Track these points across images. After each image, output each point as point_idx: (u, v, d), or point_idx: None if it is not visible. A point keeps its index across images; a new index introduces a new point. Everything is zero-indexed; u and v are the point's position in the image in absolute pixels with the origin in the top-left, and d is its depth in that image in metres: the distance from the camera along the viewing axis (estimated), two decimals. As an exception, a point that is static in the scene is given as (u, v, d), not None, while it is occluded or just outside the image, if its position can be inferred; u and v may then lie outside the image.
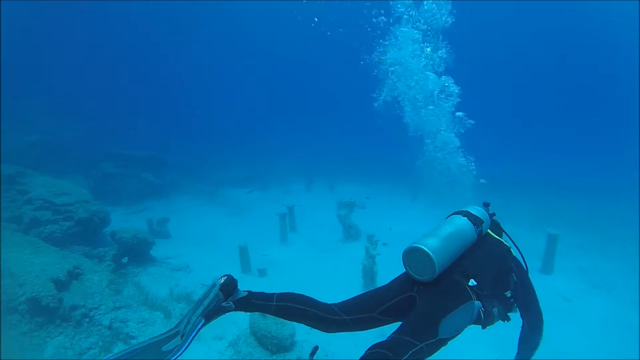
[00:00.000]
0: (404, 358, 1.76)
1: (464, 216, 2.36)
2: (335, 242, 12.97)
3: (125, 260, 10.01)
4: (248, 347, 6.55)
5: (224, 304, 1.98)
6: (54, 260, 7.11)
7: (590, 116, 36.73)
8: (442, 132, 9.22)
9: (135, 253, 10.07)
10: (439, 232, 2.18)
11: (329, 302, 2.21)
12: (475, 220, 2.34)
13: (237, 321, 7.58)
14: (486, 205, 2.66)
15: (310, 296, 2.23)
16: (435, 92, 8.81)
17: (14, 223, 9.12)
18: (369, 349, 1.81)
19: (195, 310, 1.88)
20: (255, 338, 6.56)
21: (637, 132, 28.98)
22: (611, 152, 28.04)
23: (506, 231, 2.67)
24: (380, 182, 20.70)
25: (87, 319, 6.67)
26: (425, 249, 2.02)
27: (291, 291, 2.25)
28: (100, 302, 7.03)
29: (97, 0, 27.93)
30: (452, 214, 2.44)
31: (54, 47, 30.09)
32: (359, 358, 1.76)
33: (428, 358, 1.92)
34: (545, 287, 9.56)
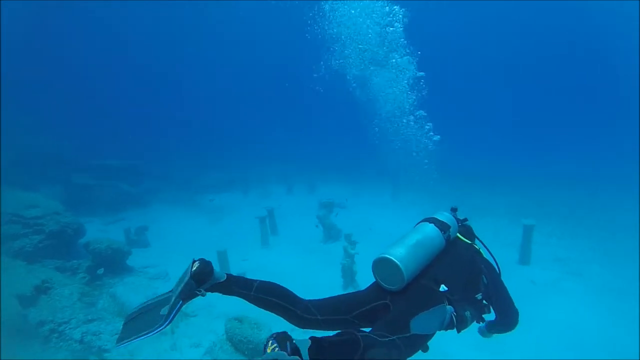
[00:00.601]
0: (376, 347, 1.79)
1: (431, 223, 2.38)
2: (316, 243, 12.93)
3: (101, 271, 9.77)
4: (224, 353, 6.45)
5: (196, 290, 2.01)
6: (20, 276, 6.88)
7: (572, 108, 37.46)
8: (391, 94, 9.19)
9: (111, 264, 9.86)
10: (406, 241, 2.19)
11: (306, 299, 2.23)
12: (442, 226, 2.37)
13: (214, 328, 7.50)
14: (454, 210, 2.69)
15: (290, 290, 2.25)
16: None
17: (-20, 239, 8.82)
18: (342, 332, 1.84)
19: (177, 289, 1.99)
20: (231, 344, 6.46)
21: (619, 122, 29.71)
22: (594, 144, 28.62)
23: (477, 234, 2.70)
24: (361, 182, 20.76)
25: (55, 334, 6.49)
26: (393, 259, 2.04)
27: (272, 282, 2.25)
28: (70, 316, 6.84)
29: (65, 1, 27.24)
30: (419, 222, 2.46)
31: (21, 55, 29.34)
32: (332, 335, 1.79)
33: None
34: (521, 277, 9.71)
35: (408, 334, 1.90)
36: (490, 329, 2.57)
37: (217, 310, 8.44)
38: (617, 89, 34.21)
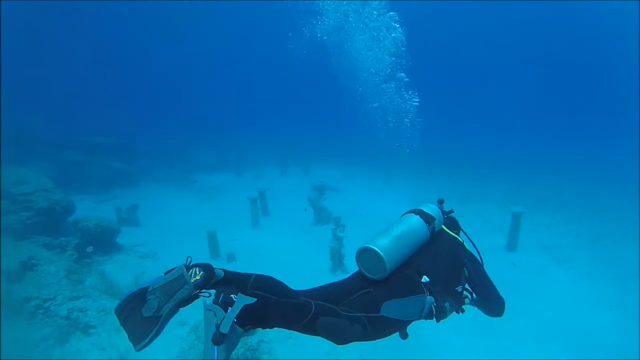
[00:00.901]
0: (331, 316, 1.82)
1: (416, 214, 2.40)
2: (306, 225, 12.97)
3: (90, 249, 9.79)
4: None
5: (200, 293, 1.83)
6: (4, 252, 6.88)
7: (566, 99, 37.42)
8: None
9: (100, 242, 9.86)
10: (391, 232, 2.22)
11: (296, 289, 2.16)
12: (427, 218, 2.39)
13: (200, 306, 7.55)
14: (440, 202, 2.70)
15: (282, 282, 2.14)
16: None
17: (-33, 215, 8.79)
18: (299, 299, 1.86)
19: (168, 299, 1.75)
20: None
21: (611, 113, 29.70)
22: (586, 133, 28.65)
23: (466, 221, 2.76)
24: (354, 164, 20.76)
25: (41, 310, 6.53)
26: (376, 249, 2.07)
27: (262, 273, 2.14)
28: (56, 293, 6.87)
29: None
30: (405, 213, 2.49)
31: (17, 35, 28.80)
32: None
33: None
34: (507, 263, 9.81)
35: (376, 314, 1.94)
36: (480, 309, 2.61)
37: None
38: (611, 79, 34.09)
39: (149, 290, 1.77)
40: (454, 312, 2.31)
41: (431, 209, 2.49)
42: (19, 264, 6.85)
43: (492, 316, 2.52)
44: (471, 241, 2.63)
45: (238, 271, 2.07)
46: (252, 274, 2.05)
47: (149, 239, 11.38)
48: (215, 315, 1.71)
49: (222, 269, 2.01)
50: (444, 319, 2.21)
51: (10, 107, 16.21)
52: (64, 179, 14.02)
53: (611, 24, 31.65)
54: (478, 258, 2.52)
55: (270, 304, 1.77)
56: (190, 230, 12.16)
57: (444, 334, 6.78)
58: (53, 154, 15.87)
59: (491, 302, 2.43)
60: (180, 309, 1.81)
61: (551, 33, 34.99)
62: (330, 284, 2.27)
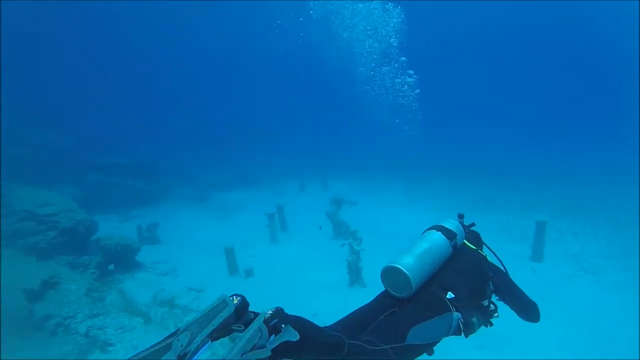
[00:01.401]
0: (362, 354, 1.82)
1: (438, 231, 2.43)
2: (325, 239, 12.87)
3: (111, 267, 9.98)
4: (224, 348, 6.46)
5: (234, 326, 1.71)
6: (27, 271, 7.06)
7: (580, 102, 36.53)
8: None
9: (121, 260, 10.05)
10: (414, 250, 2.25)
11: (321, 325, 2.09)
12: (449, 234, 2.42)
13: (217, 323, 7.51)
14: (461, 217, 2.73)
15: (308, 319, 2.04)
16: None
17: (-5, 236, 9.10)
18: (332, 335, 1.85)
19: (203, 327, 1.61)
20: (230, 339, 6.45)
21: (631, 118, 28.71)
22: (611, 139, 27.71)
23: (487, 234, 2.77)
24: (373, 177, 20.62)
25: (62, 328, 6.63)
26: (401, 268, 2.10)
27: (293, 313, 2.03)
28: (76, 310, 6.98)
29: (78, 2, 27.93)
30: (426, 230, 2.52)
31: (33, 57, 30.30)
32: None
33: None
34: (531, 274, 9.41)
35: (403, 344, 1.93)
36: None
37: (221, 306, 8.49)
38: (628, 79, 33.07)
39: (177, 332, 1.59)
40: (482, 327, 2.31)
41: (452, 224, 2.51)
42: (41, 282, 7.01)
43: (530, 322, 2.52)
44: (494, 254, 2.63)
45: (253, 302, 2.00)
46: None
47: (168, 257, 11.51)
48: (260, 335, 1.61)
49: (251, 311, 1.84)
50: (473, 334, 2.21)
51: (31, 128, 16.90)
52: (88, 199, 14.46)
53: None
54: (503, 269, 2.52)
55: (306, 342, 1.72)
56: (209, 247, 12.27)
57: (465, 349, 6.51)
58: (78, 175, 16.40)
59: (524, 310, 2.44)
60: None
61: (564, 34, 34.37)
62: (356, 311, 2.27)
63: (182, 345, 1.52)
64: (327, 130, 33.58)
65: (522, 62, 38.36)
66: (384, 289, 2.25)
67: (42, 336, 6.41)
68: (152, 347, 1.57)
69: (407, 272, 2.09)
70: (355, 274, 9.29)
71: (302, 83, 41.15)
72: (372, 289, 9.56)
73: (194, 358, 1.51)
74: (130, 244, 10.16)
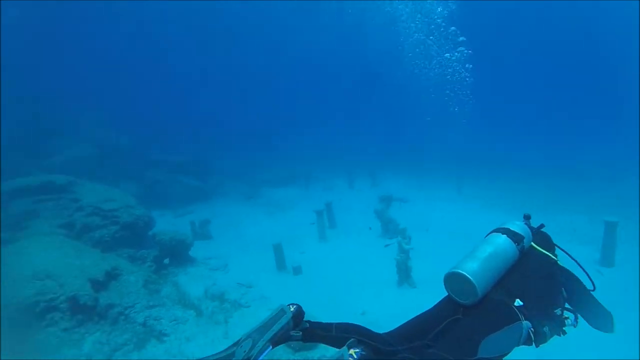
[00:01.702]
0: None
1: (503, 234, 2.29)
2: (373, 237, 12.69)
3: (167, 261, 10.48)
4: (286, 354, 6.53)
5: (292, 332, 1.94)
6: (93, 263, 7.57)
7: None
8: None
9: (175, 254, 10.51)
10: (478, 254, 2.15)
11: (380, 332, 2.16)
12: (515, 237, 2.27)
13: (260, 315, 7.64)
14: (527, 217, 2.57)
15: (365, 327, 2.17)
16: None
17: (66, 229, 9.86)
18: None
19: (263, 334, 1.82)
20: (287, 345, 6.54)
21: None
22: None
23: (554, 238, 2.58)
24: (424, 174, 20.06)
25: (122, 317, 7.03)
26: (465, 274, 2.02)
27: (346, 321, 2.16)
28: (135, 301, 7.38)
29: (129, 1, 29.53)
30: (490, 232, 2.39)
31: (95, 59, 32.52)
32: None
33: None
34: (602, 280, 8.65)
35: (474, 358, 1.83)
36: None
37: (270, 302, 8.63)
38: None
39: (240, 340, 1.80)
40: (555, 336, 2.17)
41: (518, 226, 2.35)
42: (105, 273, 7.47)
43: (604, 332, 2.37)
44: (571, 257, 2.42)
45: (310, 313, 2.11)
46: (332, 323, 2.08)
47: (220, 252, 11.86)
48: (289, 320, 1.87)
49: (307, 321, 2.05)
50: (544, 343, 2.07)
51: (102, 132, 18.24)
52: (146, 196, 15.30)
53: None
54: (576, 275, 2.34)
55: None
56: (258, 243, 12.50)
57: None
58: (137, 173, 17.43)
59: (598, 320, 2.30)
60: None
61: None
62: (417, 317, 2.21)
63: (244, 351, 1.71)
64: (377, 125, 33.09)
65: (600, 54, 35.35)
66: (446, 294, 2.17)
67: (106, 323, 6.83)
68: (217, 354, 1.77)
69: (471, 278, 1.98)
70: (404, 273, 9.06)
71: (351, 77, 40.88)
72: (421, 289, 9.27)
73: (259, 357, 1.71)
74: (184, 239, 10.59)
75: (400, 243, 9.12)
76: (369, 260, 10.82)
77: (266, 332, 1.80)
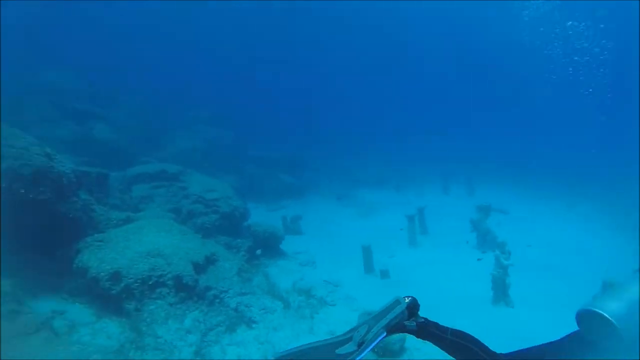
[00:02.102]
0: None
1: None
2: (468, 248, 11.91)
3: (259, 252, 11.00)
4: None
5: (407, 322, 2.05)
6: (195, 247, 8.20)
7: None
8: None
9: (267, 246, 10.99)
10: (626, 294, 1.80)
11: (497, 352, 2.08)
12: None
13: (350, 319, 7.58)
14: None
15: (480, 340, 2.14)
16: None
17: (174, 213, 10.89)
18: None
19: (378, 321, 1.95)
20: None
21: None
22: None
23: None
24: (529, 184, 18.31)
25: (217, 300, 7.50)
26: (607, 316, 1.71)
27: (462, 329, 2.15)
28: (229, 287, 7.83)
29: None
30: None
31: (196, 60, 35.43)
32: None
33: None
34: None
35: None
36: None
37: (355, 303, 8.57)
38: None
39: (357, 326, 1.96)
40: None
41: None
42: (205, 257, 8.05)
43: None
44: None
45: (426, 316, 2.15)
46: (449, 327, 2.11)
47: (309, 248, 12.10)
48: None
49: (423, 317, 2.13)
50: None
51: (208, 127, 19.98)
52: (244, 188, 16.27)
53: None
54: None
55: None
56: (347, 243, 12.49)
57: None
58: (237, 166, 18.68)
59: None
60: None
61: None
62: (538, 347, 1.99)
63: (360, 335, 1.85)
64: (476, 129, 31.16)
65: None
66: (577, 329, 1.92)
67: (204, 304, 7.35)
68: (336, 337, 1.95)
69: (616, 322, 1.68)
70: (501, 291, 8.32)
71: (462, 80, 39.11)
72: (519, 310, 8.42)
73: (372, 345, 1.82)
74: (276, 232, 11.01)
75: (498, 257, 8.38)
76: (461, 271, 10.19)
77: (381, 319, 1.92)
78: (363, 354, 1.76)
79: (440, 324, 2.11)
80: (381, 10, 33.94)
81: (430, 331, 2.04)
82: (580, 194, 16.08)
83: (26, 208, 6.59)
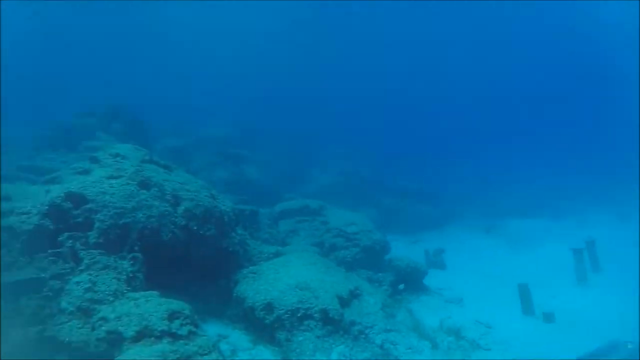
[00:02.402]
0: None
1: None
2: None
3: (401, 286, 10.66)
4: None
5: None
6: (340, 280, 8.35)
7: None
8: None
9: (409, 281, 10.60)
10: None
11: None
12: None
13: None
14: None
15: None
16: None
17: (318, 247, 11.40)
18: None
19: None
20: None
21: None
22: None
23: None
24: None
25: (362, 335, 7.42)
26: None
27: None
28: (373, 322, 7.69)
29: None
30: None
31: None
32: None
33: None
34: None
35: None
36: None
37: (513, 349, 7.65)
38: None
39: None
40: None
41: None
42: (349, 291, 8.12)
43: None
44: None
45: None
46: None
47: (454, 284, 11.31)
48: None
49: None
50: None
51: (347, 162, 20.80)
52: (382, 221, 16.23)
53: None
54: None
55: None
56: (499, 279, 11.34)
57: None
58: (375, 199, 18.81)
59: None
60: None
61: None
62: None
63: None
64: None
65: None
66: None
67: (349, 338, 7.34)
68: None
69: None
70: None
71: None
72: None
73: None
74: (418, 267, 10.59)
75: None
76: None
77: None
78: None
79: None
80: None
81: None
82: None
83: (198, 242, 7.66)
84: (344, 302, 7.93)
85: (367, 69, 39.12)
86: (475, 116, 40.65)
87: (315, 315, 7.46)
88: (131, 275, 6.38)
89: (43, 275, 6.06)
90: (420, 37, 33.21)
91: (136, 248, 6.72)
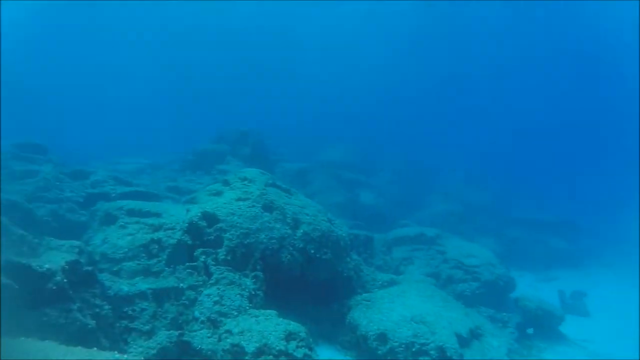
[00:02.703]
0: None
1: None
2: None
3: (530, 331, 9.46)
4: None
5: None
6: (458, 317, 7.73)
7: None
8: None
9: (540, 325, 9.37)
10: None
11: None
12: None
13: None
14: None
15: None
16: None
17: (433, 278, 10.74)
18: None
19: None
20: None
21: None
22: None
23: None
24: None
25: (485, 383, 6.69)
26: None
27: None
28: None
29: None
30: None
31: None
32: None
33: None
34: None
35: None
36: None
37: None
38: None
39: None
40: None
41: None
42: (469, 330, 7.46)
43: None
44: None
45: None
46: None
47: (599, 335, 9.61)
48: None
49: None
50: None
51: (464, 189, 19.58)
52: (505, 253, 14.72)
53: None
54: None
55: None
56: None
57: None
58: (497, 229, 17.22)
59: None
60: None
61: None
62: None
63: None
64: None
65: None
66: None
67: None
68: None
69: None
70: None
71: None
72: None
73: None
74: (553, 310, 9.32)
75: None
76: None
77: None
78: None
79: None
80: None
81: None
82: None
83: (314, 266, 7.85)
84: (463, 342, 7.31)
85: (503, 87, 36.87)
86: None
87: (432, 352, 7.01)
88: (253, 292, 6.79)
89: (182, 285, 6.81)
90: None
91: (258, 267, 7.16)
